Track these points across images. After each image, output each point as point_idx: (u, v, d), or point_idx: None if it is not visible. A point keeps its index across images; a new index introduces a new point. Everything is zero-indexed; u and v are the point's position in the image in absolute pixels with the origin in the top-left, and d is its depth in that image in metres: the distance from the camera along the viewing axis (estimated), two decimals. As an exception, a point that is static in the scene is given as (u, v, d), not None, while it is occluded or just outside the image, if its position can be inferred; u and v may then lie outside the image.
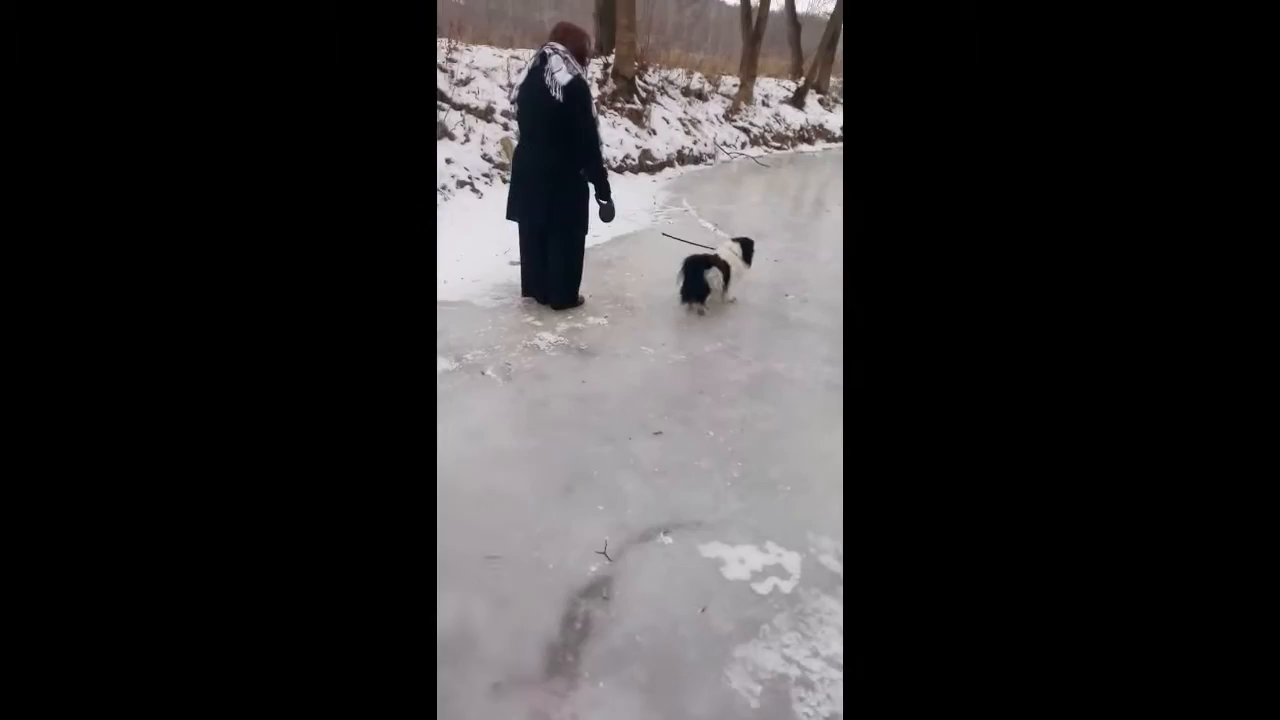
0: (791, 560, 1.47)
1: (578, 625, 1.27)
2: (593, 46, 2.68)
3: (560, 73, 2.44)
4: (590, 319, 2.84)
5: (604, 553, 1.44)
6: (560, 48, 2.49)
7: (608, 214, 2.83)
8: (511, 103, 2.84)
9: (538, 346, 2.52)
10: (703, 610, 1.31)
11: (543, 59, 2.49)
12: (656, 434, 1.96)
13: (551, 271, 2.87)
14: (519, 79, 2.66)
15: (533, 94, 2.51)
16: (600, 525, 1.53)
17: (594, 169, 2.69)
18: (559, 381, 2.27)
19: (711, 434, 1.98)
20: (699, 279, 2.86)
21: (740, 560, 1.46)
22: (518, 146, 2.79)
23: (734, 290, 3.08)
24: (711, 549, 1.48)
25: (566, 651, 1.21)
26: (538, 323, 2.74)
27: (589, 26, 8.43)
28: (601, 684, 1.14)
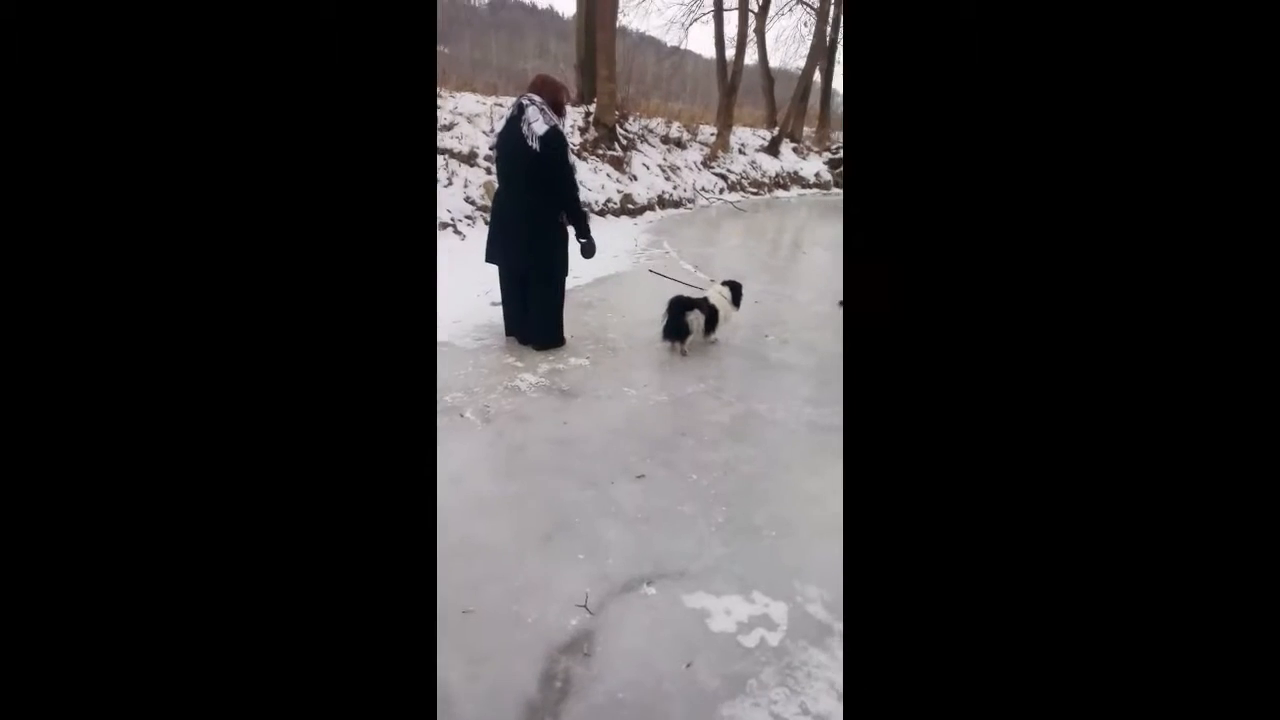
0: (778, 610, 1.43)
1: (557, 683, 1.20)
2: (571, 97, 2.79)
3: (537, 123, 2.54)
4: (572, 360, 2.83)
5: (585, 605, 1.39)
6: (537, 99, 2.60)
7: (589, 251, 2.89)
8: (491, 149, 2.92)
9: (518, 388, 2.49)
10: (688, 665, 1.26)
11: (520, 109, 2.61)
12: (639, 478, 1.92)
13: (533, 314, 2.90)
14: (499, 127, 2.75)
15: (510, 143, 2.61)
16: (581, 576, 1.48)
17: (572, 210, 2.77)
18: (540, 424, 2.23)
19: (694, 477, 1.96)
20: (681, 320, 2.89)
21: (726, 611, 1.41)
22: (497, 191, 2.86)
23: (719, 332, 3.11)
24: (696, 599, 1.44)
25: (545, 712, 1.14)
26: (519, 364, 2.72)
27: (571, 76, 8.75)
28: (582, 750, 1.08)
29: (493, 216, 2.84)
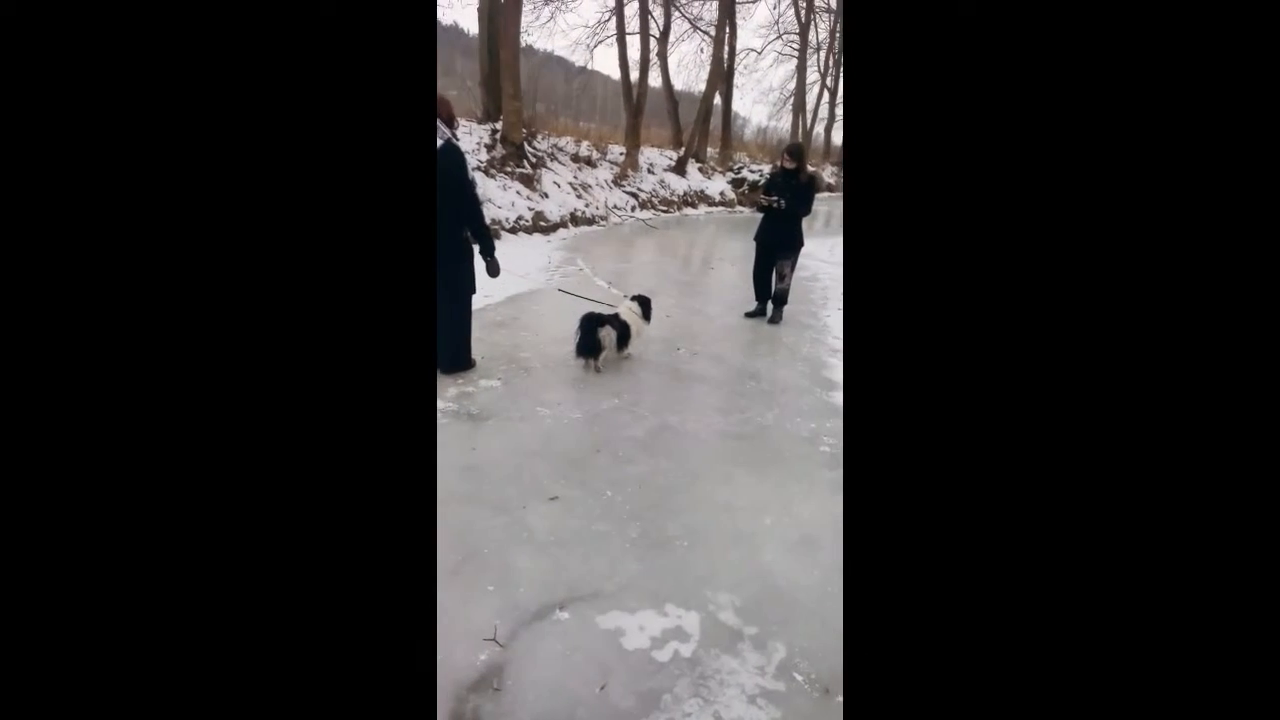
0: (691, 621, 1.45)
1: (465, 727, 1.14)
2: (452, 111, 2.75)
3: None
4: (482, 382, 2.74)
5: (494, 639, 1.33)
6: None
7: (494, 269, 2.83)
8: None
9: (423, 415, 2.38)
10: (602, 688, 1.24)
11: None
12: (552, 499, 1.89)
13: (440, 335, 2.78)
14: None
15: None
16: (490, 608, 1.43)
17: (476, 227, 2.70)
18: (447, 452, 2.14)
19: (609, 494, 1.95)
20: (593, 336, 2.89)
21: (640, 627, 1.41)
22: None
23: (632, 347, 3.14)
24: (610, 619, 1.43)
25: (452, 761, 1.08)
26: (424, 389, 2.60)
27: (477, 94, 8.62)
28: (492, 793, 1.03)
29: None
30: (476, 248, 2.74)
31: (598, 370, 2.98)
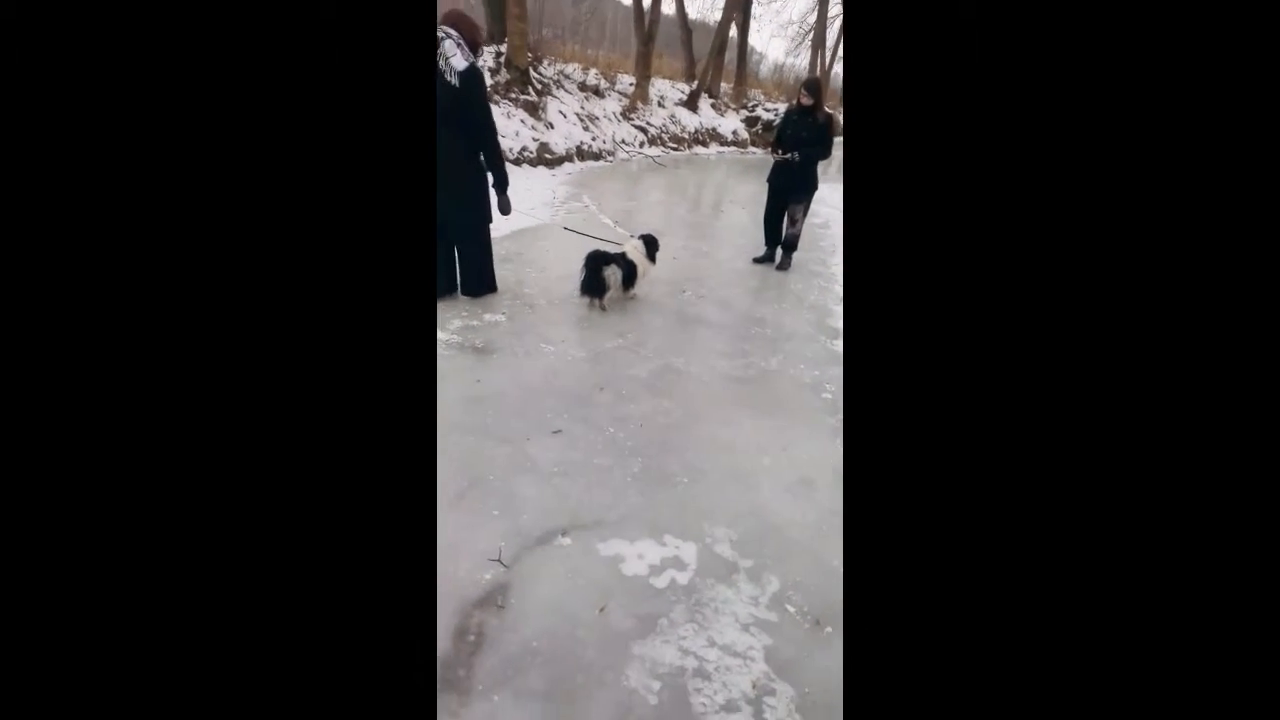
0: (688, 551, 1.50)
1: (470, 637, 1.20)
2: (484, 37, 2.64)
3: (455, 58, 2.37)
4: (486, 316, 2.72)
5: (499, 560, 1.38)
6: (454, 33, 2.41)
7: (505, 207, 2.78)
8: None
9: (427, 346, 2.37)
10: (601, 610, 1.30)
11: (437, 42, 2.41)
12: (556, 433, 1.91)
13: (465, 261, 2.81)
14: None
15: None
16: (495, 531, 1.47)
17: (493, 157, 2.63)
18: (452, 382, 2.15)
19: (611, 430, 1.97)
20: (598, 275, 2.85)
21: (639, 556, 1.46)
22: None
23: (637, 287, 3.10)
24: (610, 547, 1.47)
25: (458, 666, 1.14)
26: (427, 321, 2.58)
27: (478, 14, 8.11)
28: (496, 697, 1.09)
29: None
30: (490, 181, 2.67)
31: (602, 309, 2.95)
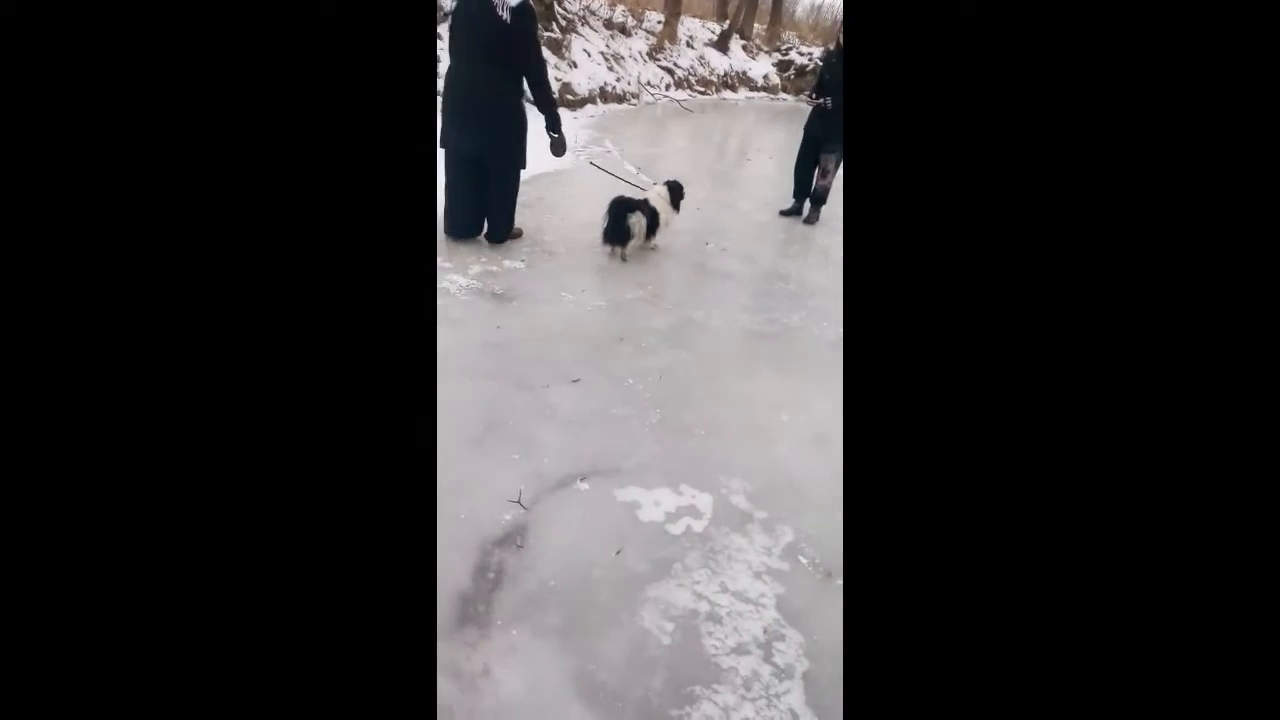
0: (704, 501, 1.51)
1: (490, 574, 1.24)
2: None
3: None
4: (506, 262, 2.69)
5: (518, 501, 1.41)
6: None
7: (559, 147, 2.73)
8: (443, 19, 2.64)
9: (447, 290, 2.36)
10: (617, 553, 1.32)
11: None
12: (575, 382, 1.92)
13: (493, 202, 2.74)
14: None
15: (472, 12, 2.33)
16: (515, 475, 1.49)
17: (544, 96, 2.56)
18: (471, 328, 2.15)
19: (630, 381, 1.97)
20: (622, 223, 2.78)
21: (655, 503, 1.48)
22: (451, 67, 2.53)
23: (659, 237, 3.04)
24: (628, 493, 1.49)
25: (478, 601, 1.18)
26: (446, 264, 2.57)
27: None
28: (514, 631, 1.13)
29: (447, 97, 2.53)
30: (542, 120, 2.60)
31: (624, 259, 2.90)
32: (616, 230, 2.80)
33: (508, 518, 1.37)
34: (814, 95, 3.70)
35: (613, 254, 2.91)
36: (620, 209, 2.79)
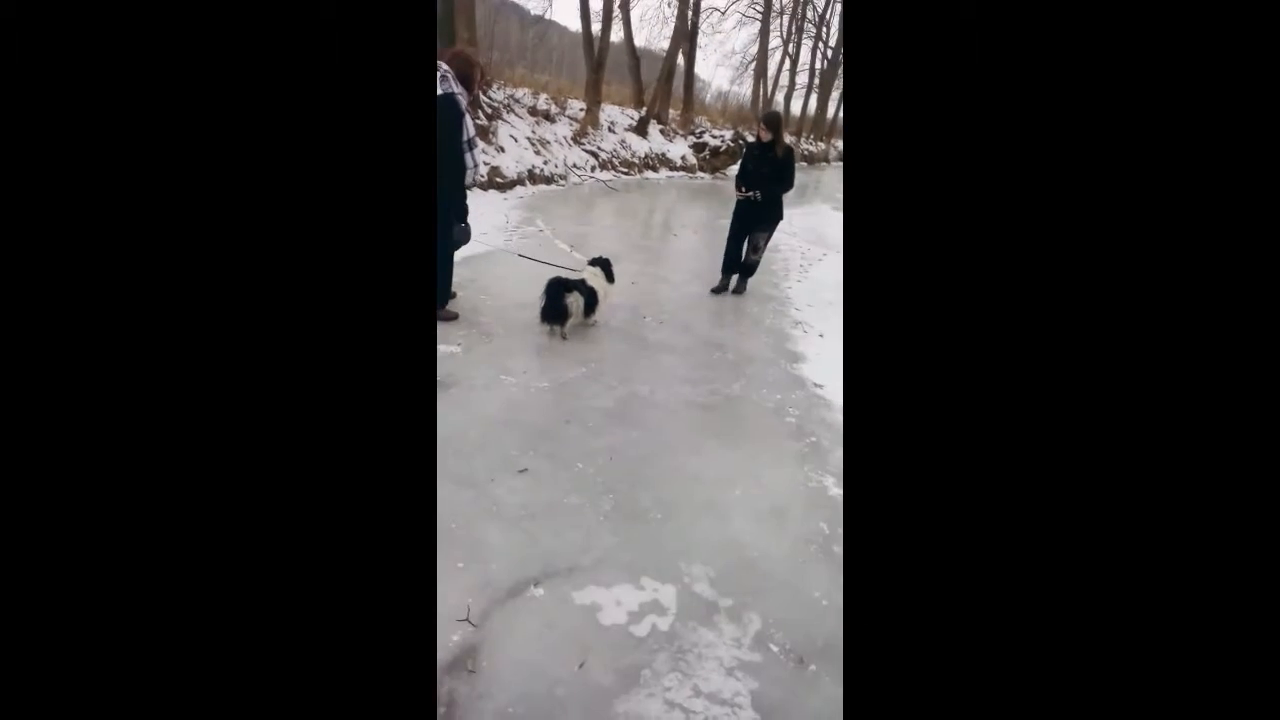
0: (667, 594, 1.44)
1: (441, 709, 1.10)
2: (481, 77, 2.81)
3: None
4: (442, 347, 2.61)
5: (467, 619, 1.28)
6: (444, 66, 2.54)
7: (463, 236, 2.80)
8: None
9: (379, 382, 2.24)
10: (581, 666, 1.22)
11: None
12: (521, 472, 1.83)
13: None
14: None
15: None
16: (462, 585, 1.37)
17: (451, 184, 2.63)
18: (406, 421, 2.03)
19: (580, 466, 1.91)
20: (559, 302, 2.80)
21: (617, 602, 1.39)
22: None
23: (597, 312, 3.07)
24: (586, 594, 1.40)
25: (427, 746, 1.03)
26: (378, 354, 2.45)
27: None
28: (471, 778, 1.00)
29: None
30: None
31: (564, 337, 2.89)
32: (555, 309, 2.80)
33: (456, 639, 1.24)
34: (743, 189, 3.93)
35: (552, 333, 2.90)
36: (558, 289, 2.80)
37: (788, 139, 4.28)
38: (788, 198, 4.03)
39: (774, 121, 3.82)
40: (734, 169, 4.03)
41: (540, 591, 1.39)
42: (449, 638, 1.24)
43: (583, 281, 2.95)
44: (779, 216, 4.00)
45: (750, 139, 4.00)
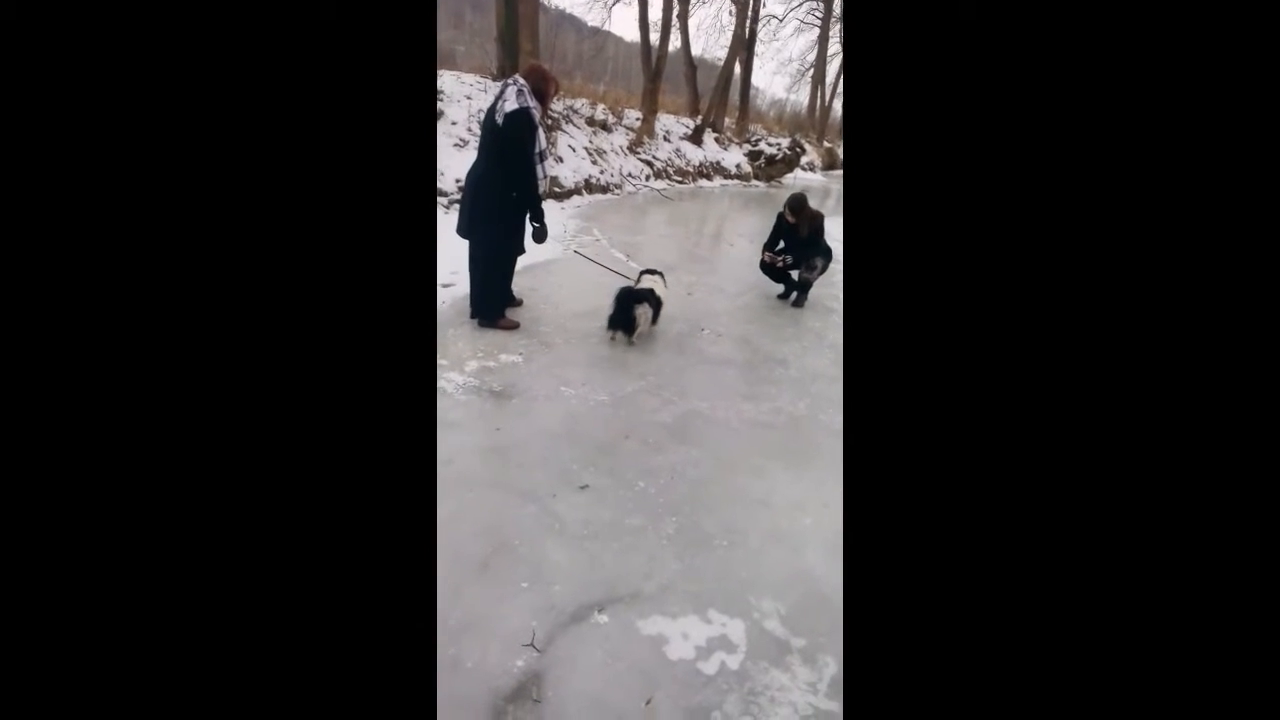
0: (736, 629, 1.37)
1: (504, 739, 1.06)
2: (559, 90, 3.04)
3: (509, 101, 2.61)
4: (502, 356, 2.63)
5: (531, 644, 1.25)
6: (523, 81, 2.67)
7: (539, 235, 2.87)
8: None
9: (444, 390, 2.27)
10: (648, 703, 1.16)
11: (504, 87, 2.69)
12: (582, 488, 1.79)
13: (472, 283, 2.89)
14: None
15: (487, 115, 2.74)
16: (525, 607, 1.34)
17: (522, 190, 2.74)
18: (470, 430, 2.04)
19: (641, 484, 1.86)
20: (629, 312, 2.85)
21: (684, 635, 1.33)
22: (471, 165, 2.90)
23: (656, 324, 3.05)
24: (652, 624, 1.34)
25: (491, 778, 1.00)
26: (444, 361, 2.49)
27: (491, 50, 8.25)
28: (537, 819, 0.95)
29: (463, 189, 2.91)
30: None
31: (630, 343, 2.89)
32: (624, 318, 2.86)
33: (520, 664, 1.21)
34: (769, 254, 3.95)
35: (614, 339, 2.90)
36: (628, 300, 2.87)
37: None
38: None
39: (797, 205, 3.82)
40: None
41: (604, 618, 1.34)
42: (513, 662, 1.21)
43: (651, 291, 2.97)
44: (828, 254, 3.96)
45: (784, 213, 4.00)
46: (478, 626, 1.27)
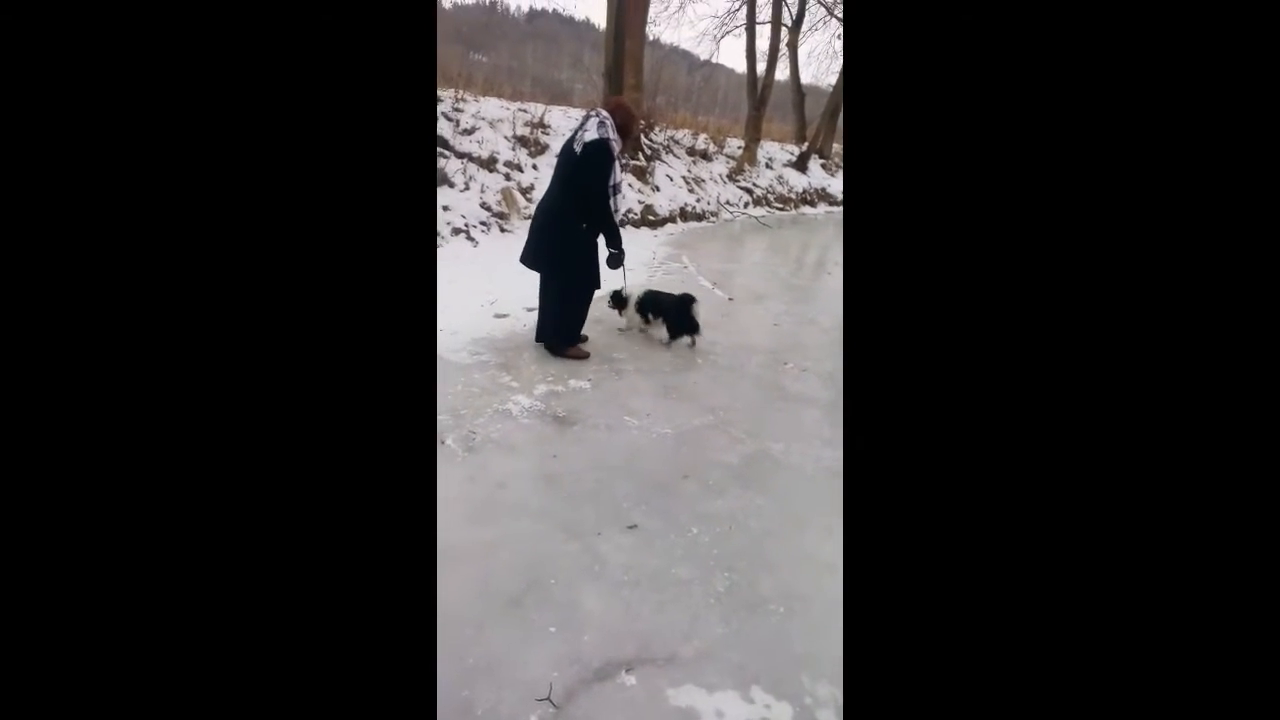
0: (782, 714, 1.18)
1: (504, 805, 0.98)
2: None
3: (589, 132, 2.63)
4: (572, 381, 2.62)
5: (548, 698, 1.16)
6: (605, 114, 2.70)
7: (615, 261, 2.90)
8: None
9: (509, 412, 2.28)
10: (666, 791, 1.02)
11: (586, 118, 2.71)
12: (631, 528, 1.69)
13: (544, 313, 2.93)
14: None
15: (565, 145, 2.76)
16: (548, 655, 1.25)
17: (597, 218, 2.76)
18: (527, 455, 2.02)
19: (694, 531, 1.72)
20: (689, 314, 3.05)
21: (718, 713, 1.17)
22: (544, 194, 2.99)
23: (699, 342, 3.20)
24: (683, 695, 1.20)
25: None
26: (514, 383, 2.52)
27: (599, 84, 8.64)
28: None
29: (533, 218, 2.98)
30: (602, 240, 2.83)
31: (691, 345, 3.06)
32: (688, 322, 3.04)
33: (533, 718, 1.12)
34: None
35: (693, 344, 3.09)
36: (684, 303, 3.07)
37: None
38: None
39: None
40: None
41: (632, 680, 1.22)
42: (525, 716, 1.12)
43: (686, 294, 3.18)
44: None
45: None
46: (496, 670, 1.20)
